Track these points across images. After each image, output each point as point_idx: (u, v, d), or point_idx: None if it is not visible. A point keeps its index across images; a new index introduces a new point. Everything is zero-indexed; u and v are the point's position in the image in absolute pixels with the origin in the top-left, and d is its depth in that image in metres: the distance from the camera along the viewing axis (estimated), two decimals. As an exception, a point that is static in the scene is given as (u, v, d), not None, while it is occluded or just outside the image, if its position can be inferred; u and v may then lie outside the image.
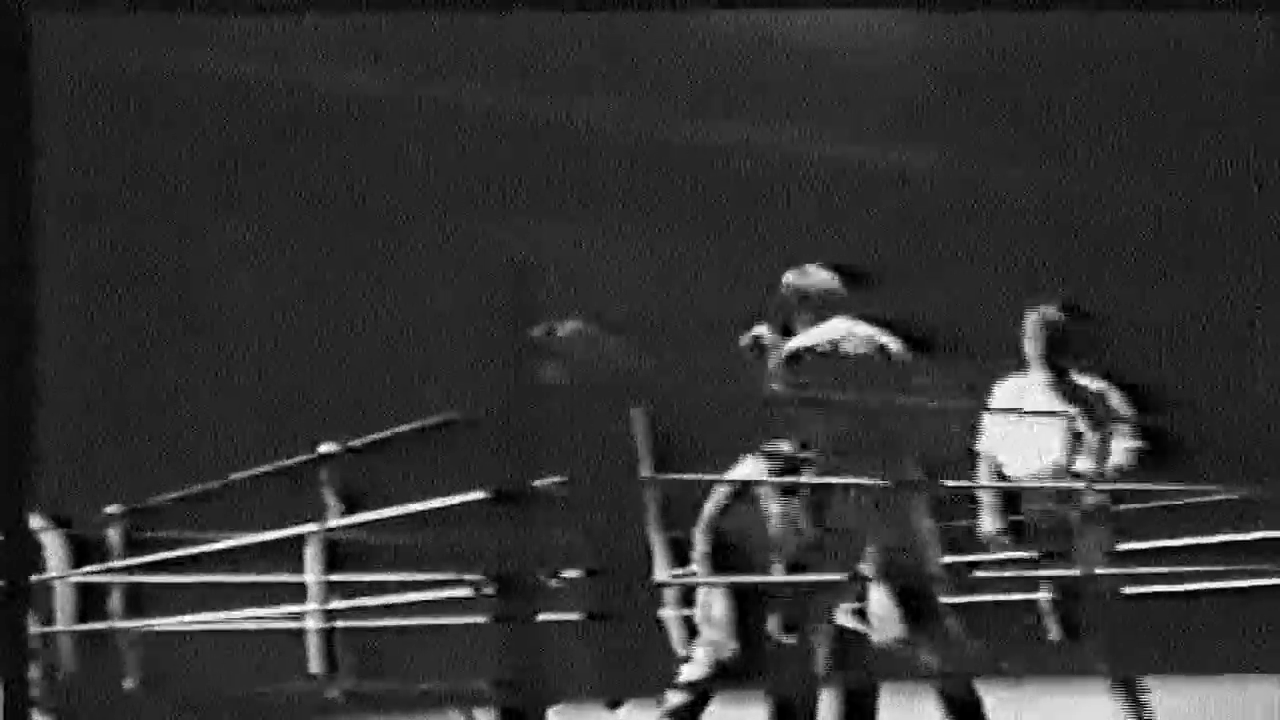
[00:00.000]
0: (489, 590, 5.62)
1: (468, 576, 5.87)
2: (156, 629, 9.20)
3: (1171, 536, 7.79)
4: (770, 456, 6.69)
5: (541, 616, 5.70)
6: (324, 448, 9.13)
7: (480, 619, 5.81)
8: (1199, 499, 8.36)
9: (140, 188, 11.59)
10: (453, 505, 5.93)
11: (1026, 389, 7.29)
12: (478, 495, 5.67)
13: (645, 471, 6.75)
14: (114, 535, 9.61)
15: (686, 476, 6.83)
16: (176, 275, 11.67)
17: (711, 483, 6.75)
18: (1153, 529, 7.77)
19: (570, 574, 6.18)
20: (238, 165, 11.91)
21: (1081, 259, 12.54)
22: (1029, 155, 12.79)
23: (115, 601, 9.67)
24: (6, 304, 5.75)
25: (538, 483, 5.68)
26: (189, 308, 11.66)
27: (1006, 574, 8.66)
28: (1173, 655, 7.46)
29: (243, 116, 11.97)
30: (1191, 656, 7.88)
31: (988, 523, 7.41)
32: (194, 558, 8.52)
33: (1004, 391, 7.34)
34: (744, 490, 6.91)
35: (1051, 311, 7.39)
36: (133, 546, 9.59)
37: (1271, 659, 8.48)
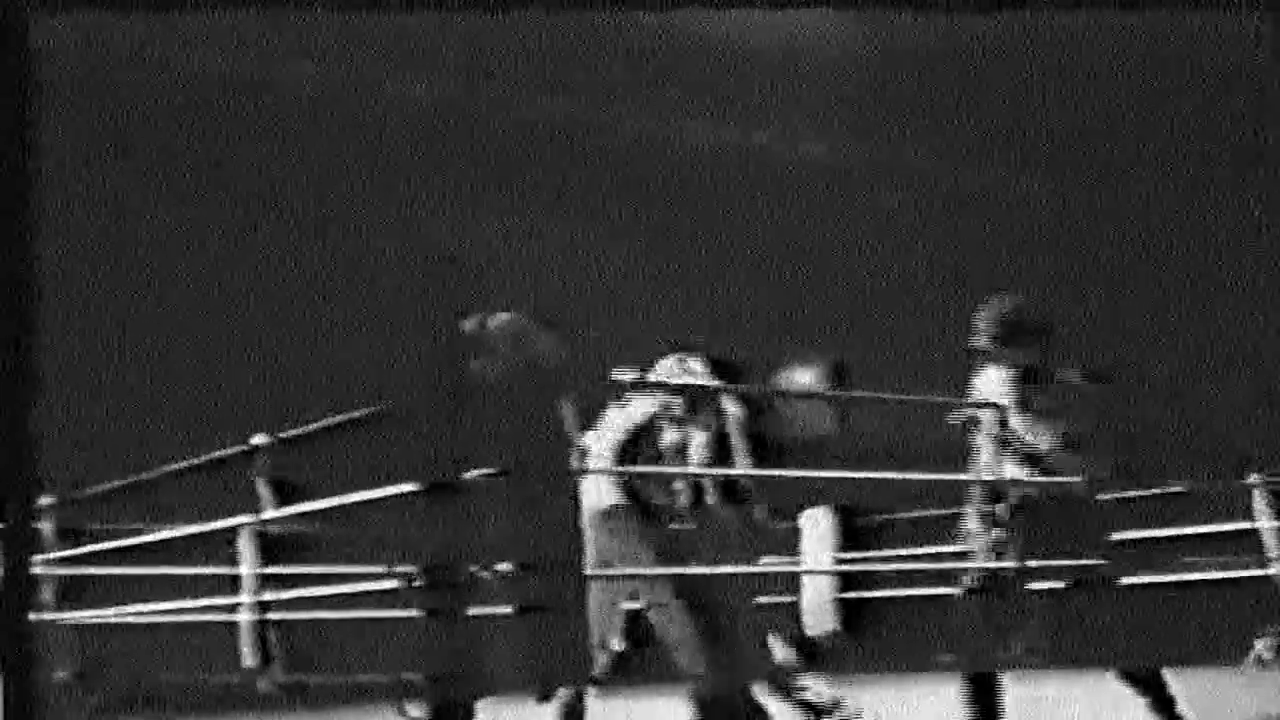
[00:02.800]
0: (419, 583, 5.62)
1: (398, 569, 5.87)
2: (89, 621, 9.17)
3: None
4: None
5: (473, 610, 5.71)
6: (256, 439, 9.11)
7: (411, 612, 5.81)
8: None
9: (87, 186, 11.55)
10: (384, 498, 5.93)
11: (995, 379, 7.15)
12: (409, 488, 5.67)
13: (575, 464, 6.77)
14: (46, 527, 9.56)
15: (617, 470, 6.85)
16: (109, 264, 11.62)
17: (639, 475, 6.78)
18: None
19: (502, 567, 6.19)
20: (184, 161, 11.88)
21: (1014, 256, 12.61)
22: (970, 154, 12.85)
23: (48, 593, 9.63)
24: (3, 299, 5.75)
25: (469, 475, 5.68)
26: (122, 297, 11.61)
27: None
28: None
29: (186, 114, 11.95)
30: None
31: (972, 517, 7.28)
32: (127, 550, 8.48)
33: (984, 381, 7.18)
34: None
35: (1006, 304, 7.26)
36: (65, 538, 9.55)
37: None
